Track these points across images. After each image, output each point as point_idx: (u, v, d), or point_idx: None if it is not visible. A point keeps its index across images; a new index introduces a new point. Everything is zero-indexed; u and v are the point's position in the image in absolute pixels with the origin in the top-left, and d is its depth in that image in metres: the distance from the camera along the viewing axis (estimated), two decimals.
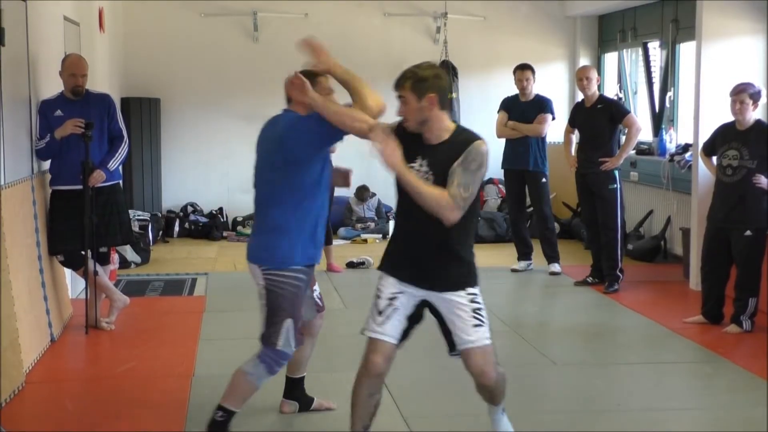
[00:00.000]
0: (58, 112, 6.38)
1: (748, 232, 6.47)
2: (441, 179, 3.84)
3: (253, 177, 4.38)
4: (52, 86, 6.59)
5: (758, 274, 6.55)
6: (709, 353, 6.07)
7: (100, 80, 8.65)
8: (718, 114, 7.27)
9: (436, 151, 3.90)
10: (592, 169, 8.17)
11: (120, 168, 6.76)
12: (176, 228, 11.35)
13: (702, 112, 7.95)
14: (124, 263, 9.11)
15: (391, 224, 11.30)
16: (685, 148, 9.00)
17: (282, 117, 4.37)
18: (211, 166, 11.93)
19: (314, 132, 4.17)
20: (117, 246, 8.01)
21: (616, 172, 8.20)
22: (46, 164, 6.57)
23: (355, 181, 11.62)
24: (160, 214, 11.26)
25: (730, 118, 6.66)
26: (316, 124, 4.16)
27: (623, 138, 8.45)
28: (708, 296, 6.74)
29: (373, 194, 11.75)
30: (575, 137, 8.60)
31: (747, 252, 6.51)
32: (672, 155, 9.16)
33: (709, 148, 6.88)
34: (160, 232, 10.98)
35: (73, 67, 6.45)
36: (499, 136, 9.03)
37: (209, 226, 11.41)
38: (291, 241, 4.21)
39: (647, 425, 4.79)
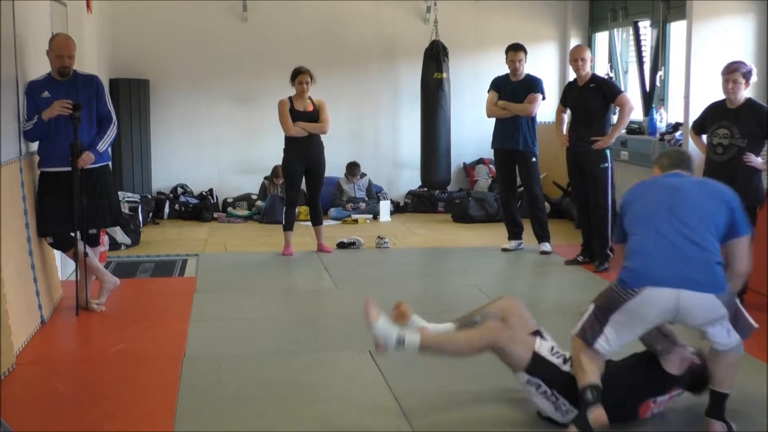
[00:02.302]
0: (46, 94, 6.34)
1: None
2: None
3: None
4: (40, 67, 6.55)
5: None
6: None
7: (88, 61, 8.60)
8: (708, 93, 7.27)
9: None
10: (584, 148, 8.17)
11: (109, 150, 6.72)
12: (166, 209, 11.33)
13: (692, 91, 7.95)
14: (114, 245, 9.10)
15: (382, 204, 11.32)
16: (676, 127, 9.00)
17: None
18: (201, 147, 11.90)
19: None
20: (107, 227, 7.99)
21: (608, 151, 8.20)
22: (34, 146, 6.53)
23: (347, 159, 11.65)
24: (150, 196, 11.24)
25: (721, 97, 6.65)
26: None
27: (614, 117, 8.45)
28: None
29: (364, 174, 11.74)
30: (567, 117, 8.60)
31: None
32: (662, 134, 9.16)
33: (699, 127, 6.87)
34: (151, 214, 10.96)
35: (59, 48, 6.40)
36: (489, 116, 9.02)
37: (199, 208, 11.39)
38: None
39: None
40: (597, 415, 4.05)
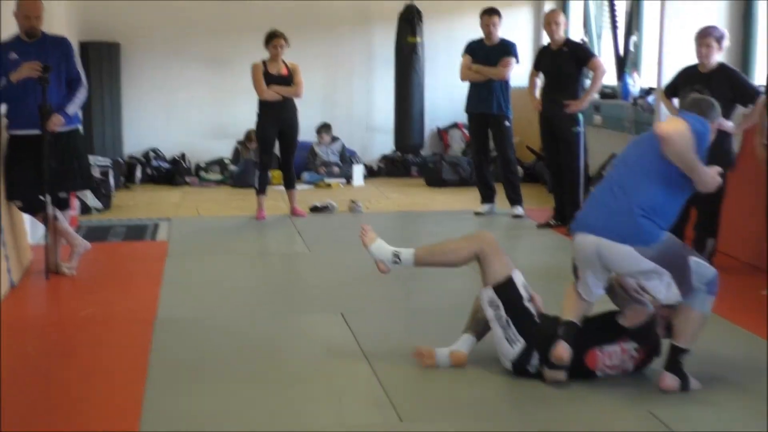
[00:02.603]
0: (14, 55, 6.25)
1: None
2: None
3: None
4: (7, 29, 6.45)
5: (717, 215, 6.61)
6: None
7: (57, 23, 8.49)
8: (681, 58, 7.27)
9: None
10: (557, 112, 8.18)
11: (79, 113, 6.66)
12: (138, 174, 11.26)
13: (665, 55, 7.95)
14: (86, 209, 9.03)
15: (356, 168, 11.29)
16: (648, 91, 9.02)
17: None
18: (172, 111, 11.81)
19: None
20: (77, 191, 7.93)
21: (580, 116, 8.22)
22: (2, 109, 6.45)
23: (320, 123, 11.59)
24: (121, 160, 11.16)
25: (694, 61, 6.66)
26: None
27: (587, 82, 8.45)
28: None
29: (337, 138, 11.70)
30: (540, 80, 8.59)
31: (707, 193, 6.54)
32: (635, 99, 9.18)
33: (672, 90, 6.89)
34: (122, 178, 10.88)
35: (26, 9, 6.31)
36: (463, 79, 9.01)
37: (172, 172, 11.34)
38: None
39: None
40: (559, 349, 4.23)
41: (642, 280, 4.28)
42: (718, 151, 6.47)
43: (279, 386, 4.40)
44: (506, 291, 4.46)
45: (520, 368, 4.43)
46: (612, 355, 4.38)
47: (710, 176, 4.30)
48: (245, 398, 4.23)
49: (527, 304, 4.48)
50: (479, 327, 4.64)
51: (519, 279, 4.54)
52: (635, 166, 4.32)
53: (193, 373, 4.56)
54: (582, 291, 4.41)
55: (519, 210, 8.91)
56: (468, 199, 9.85)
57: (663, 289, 4.22)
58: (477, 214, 9.07)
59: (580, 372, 4.38)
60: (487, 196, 9.14)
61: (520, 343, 4.39)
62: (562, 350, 4.26)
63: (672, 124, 4.24)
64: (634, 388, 4.32)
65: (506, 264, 4.55)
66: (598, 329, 4.43)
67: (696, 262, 4.25)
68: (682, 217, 6.70)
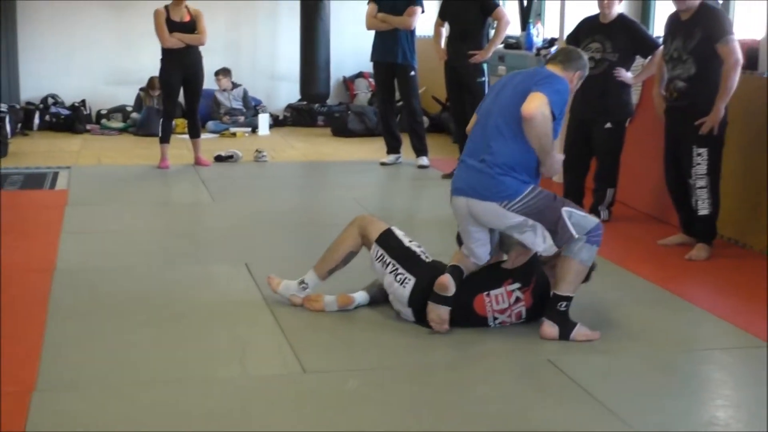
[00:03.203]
0: None
1: (608, 125, 6.63)
2: None
3: None
4: None
5: (616, 166, 6.74)
6: None
7: None
8: (583, 9, 7.36)
9: None
10: (462, 62, 8.21)
11: None
12: (36, 120, 10.96)
13: (568, 6, 8.04)
14: None
15: (261, 117, 11.19)
16: (551, 42, 9.12)
17: None
18: (72, 55, 11.49)
19: None
20: None
21: (485, 66, 8.27)
22: None
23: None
24: (17, 106, 10.83)
25: (595, 13, 6.74)
26: None
27: (492, 32, 8.49)
28: (569, 188, 6.90)
29: (238, 84, 11.54)
30: (445, 30, 8.60)
31: (606, 144, 6.69)
32: (539, 49, 9.26)
33: (573, 40, 6.95)
34: (19, 125, 10.58)
35: None
36: (368, 28, 8.97)
37: (72, 119, 11.06)
38: None
39: None
40: (442, 277, 4.37)
41: (516, 234, 4.37)
42: (617, 101, 6.63)
43: (181, 336, 4.37)
44: (386, 239, 4.62)
45: (417, 306, 4.48)
46: (498, 298, 4.45)
47: (558, 163, 4.44)
48: (147, 349, 4.20)
49: (410, 245, 4.61)
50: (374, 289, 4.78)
51: (398, 231, 4.70)
52: (492, 127, 4.40)
53: (93, 324, 4.49)
54: (468, 254, 4.49)
55: (424, 160, 8.96)
56: (374, 149, 9.87)
57: (539, 241, 4.33)
58: (383, 164, 9.09)
59: (470, 319, 4.46)
60: (393, 147, 9.16)
61: (410, 280, 4.48)
62: (445, 278, 4.36)
63: (536, 103, 4.21)
64: (534, 337, 4.40)
65: (383, 224, 4.73)
66: (484, 277, 4.54)
67: (570, 212, 4.32)
68: (582, 168, 6.86)
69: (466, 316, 4.44)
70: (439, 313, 4.38)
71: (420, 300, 4.46)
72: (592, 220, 4.36)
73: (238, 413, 3.54)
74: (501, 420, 3.53)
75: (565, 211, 4.31)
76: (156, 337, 4.36)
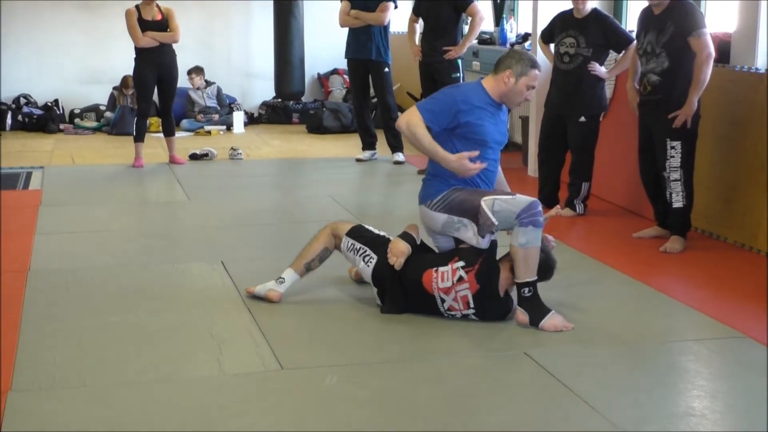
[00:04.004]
0: None
1: (582, 119, 6.66)
2: None
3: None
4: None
5: (591, 160, 6.77)
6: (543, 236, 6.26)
7: None
8: (556, 4, 7.38)
9: None
10: (436, 58, 8.23)
11: None
12: (8, 120, 10.89)
13: (540, 1, 8.05)
14: None
15: (236, 115, 11.16)
16: (525, 37, 9.14)
17: None
18: (43, 55, 11.42)
19: None
20: None
21: (459, 62, 8.29)
22: None
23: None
24: None
25: (568, 7, 6.77)
26: None
27: (466, 28, 8.51)
28: (545, 182, 6.94)
29: (212, 83, 11.50)
30: (419, 26, 8.61)
31: (581, 138, 6.72)
32: (512, 45, 9.28)
33: (548, 35, 6.99)
34: None
35: None
36: (342, 25, 8.96)
37: (44, 119, 10.99)
38: None
39: None
40: (394, 240, 4.60)
41: (454, 233, 4.56)
42: (591, 95, 6.66)
43: (158, 336, 4.35)
44: (357, 231, 4.75)
45: (378, 283, 4.62)
46: (444, 275, 4.48)
47: (452, 161, 4.51)
48: (123, 349, 4.17)
49: (379, 232, 4.75)
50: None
51: (368, 226, 4.84)
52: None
53: (68, 325, 4.47)
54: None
55: (400, 156, 8.96)
56: (349, 145, 9.86)
57: (471, 235, 4.50)
58: (358, 160, 9.09)
59: (420, 296, 4.52)
60: (369, 143, 9.16)
61: (374, 258, 4.61)
62: (398, 241, 4.57)
63: (404, 117, 4.59)
64: (511, 330, 4.41)
65: (353, 223, 4.88)
66: (439, 254, 4.65)
67: (493, 200, 4.40)
68: (557, 162, 6.89)
69: (416, 291, 4.53)
70: (399, 246, 4.54)
71: (382, 278, 4.57)
72: (521, 202, 4.39)
73: (216, 411, 3.53)
74: (478, 413, 3.53)
75: (486, 200, 4.43)
76: (132, 336, 4.33)
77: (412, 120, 4.52)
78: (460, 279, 4.45)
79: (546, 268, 4.49)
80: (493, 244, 4.55)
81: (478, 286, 4.44)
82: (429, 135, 4.53)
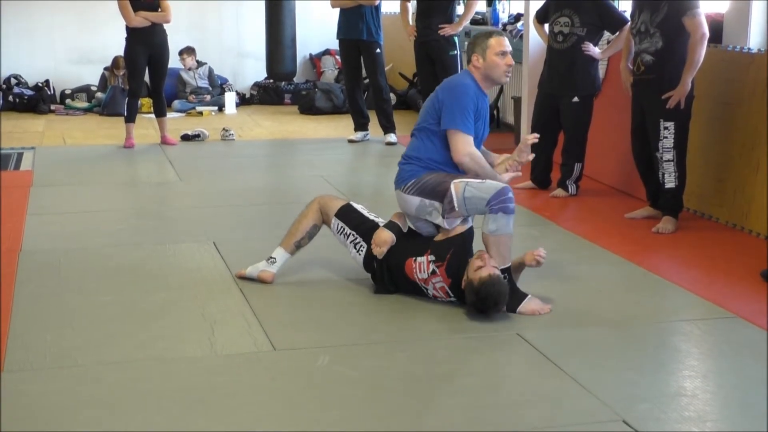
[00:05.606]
0: None
1: (575, 99, 6.65)
2: None
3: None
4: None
5: (584, 141, 6.77)
6: (536, 216, 6.28)
7: None
8: None
9: None
10: (432, 36, 8.23)
11: None
12: None
13: None
14: None
15: (228, 95, 11.12)
16: (517, 17, 9.12)
17: None
18: (34, 35, 11.36)
19: None
20: None
21: (456, 39, 8.29)
22: None
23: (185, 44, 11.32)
24: None
25: None
26: None
27: (459, 8, 8.49)
28: (537, 162, 6.92)
29: (203, 63, 11.46)
30: (411, 6, 8.58)
31: (574, 118, 6.71)
32: (504, 25, 9.27)
33: (542, 15, 6.97)
34: None
35: None
36: (333, 6, 8.93)
37: (35, 99, 10.94)
38: None
39: None
40: (379, 230, 4.58)
41: (427, 218, 4.55)
42: (585, 75, 6.65)
43: (149, 316, 4.34)
44: (345, 212, 4.72)
45: (370, 269, 4.65)
46: (421, 266, 4.48)
47: (505, 180, 4.54)
48: (115, 329, 4.17)
49: (369, 215, 4.74)
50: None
51: (357, 205, 4.81)
52: (421, 118, 4.74)
53: (60, 305, 4.46)
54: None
55: (392, 137, 8.95)
56: (341, 126, 9.84)
57: (444, 222, 4.51)
58: (351, 141, 9.07)
59: (404, 279, 4.53)
60: (361, 124, 9.14)
61: (364, 247, 4.62)
62: (382, 230, 4.56)
63: (457, 147, 4.50)
64: (502, 312, 4.41)
65: (342, 200, 4.84)
66: (418, 243, 4.60)
67: (462, 186, 4.38)
68: (550, 142, 6.88)
69: (402, 277, 4.54)
70: (382, 236, 4.53)
71: (373, 265, 4.59)
72: (492, 188, 4.36)
73: (208, 392, 3.53)
74: (470, 393, 3.54)
75: (456, 182, 4.42)
76: (124, 316, 4.33)
77: (473, 152, 4.49)
78: (434, 272, 4.46)
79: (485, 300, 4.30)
80: (468, 234, 4.55)
81: (450, 281, 4.45)
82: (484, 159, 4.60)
